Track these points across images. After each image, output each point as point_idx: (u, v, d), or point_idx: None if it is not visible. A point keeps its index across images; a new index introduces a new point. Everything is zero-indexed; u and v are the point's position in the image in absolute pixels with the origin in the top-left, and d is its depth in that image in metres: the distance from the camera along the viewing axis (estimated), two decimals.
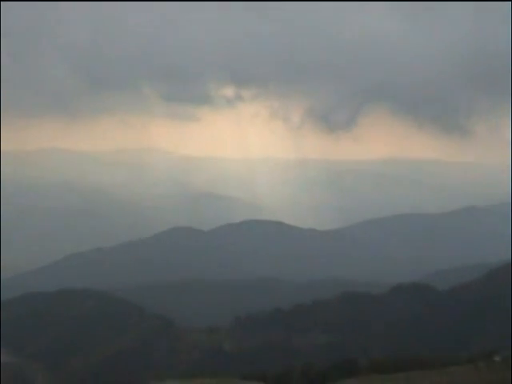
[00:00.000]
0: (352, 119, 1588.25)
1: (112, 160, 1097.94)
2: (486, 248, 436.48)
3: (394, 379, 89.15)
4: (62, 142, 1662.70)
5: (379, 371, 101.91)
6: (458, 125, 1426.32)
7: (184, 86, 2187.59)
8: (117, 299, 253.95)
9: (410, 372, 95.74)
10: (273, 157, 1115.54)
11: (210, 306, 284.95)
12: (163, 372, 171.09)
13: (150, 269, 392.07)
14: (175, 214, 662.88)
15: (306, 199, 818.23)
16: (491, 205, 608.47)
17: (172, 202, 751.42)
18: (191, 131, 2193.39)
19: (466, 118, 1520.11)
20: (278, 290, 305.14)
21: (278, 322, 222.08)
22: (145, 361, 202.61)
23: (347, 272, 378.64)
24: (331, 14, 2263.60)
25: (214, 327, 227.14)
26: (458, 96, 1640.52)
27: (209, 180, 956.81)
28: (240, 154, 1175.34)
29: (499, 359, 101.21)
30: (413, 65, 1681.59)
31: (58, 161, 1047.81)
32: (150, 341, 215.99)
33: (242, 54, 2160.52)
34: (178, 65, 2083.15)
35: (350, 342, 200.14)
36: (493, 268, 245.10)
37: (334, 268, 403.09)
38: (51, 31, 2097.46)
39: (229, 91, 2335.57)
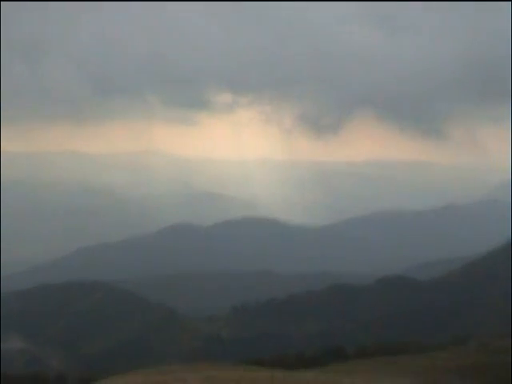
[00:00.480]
0: (340, 124, 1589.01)
1: (116, 161, 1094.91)
2: (463, 242, 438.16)
3: (380, 362, 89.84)
4: (70, 144, 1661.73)
5: (366, 357, 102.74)
6: (437, 129, 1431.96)
7: (184, 93, 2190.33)
8: (122, 291, 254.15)
9: (395, 356, 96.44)
10: (267, 158, 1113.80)
11: (209, 297, 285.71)
12: (165, 358, 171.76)
13: (153, 262, 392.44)
14: (176, 211, 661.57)
15: (298, 198, 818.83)
16: (469, 203, 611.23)
17: (173, 201, 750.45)
18: (191, 134, 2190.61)
19: (445, 123, 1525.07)
20: (272, 282, 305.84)
21: (272, 311, 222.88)
22: (149, 348, 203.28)
23: (336, 265, 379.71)
24: (323, 26, 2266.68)
25: (213, 316, 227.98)
26: (437, 102, 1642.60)
27: (207, 180, 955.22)
28: (236, 156, 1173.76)
29: (474, 344, 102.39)
30: (397, 74, 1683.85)
31: (67, 162, 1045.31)
32: (153, 329, 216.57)
33: (238, 62, 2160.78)
34: (179, 73, 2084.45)
35: (339, 331, 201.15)
36: (469, 261, 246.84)
37: (324, 261, 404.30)
38: (62, 43, 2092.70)
39: (226, 97, 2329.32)
